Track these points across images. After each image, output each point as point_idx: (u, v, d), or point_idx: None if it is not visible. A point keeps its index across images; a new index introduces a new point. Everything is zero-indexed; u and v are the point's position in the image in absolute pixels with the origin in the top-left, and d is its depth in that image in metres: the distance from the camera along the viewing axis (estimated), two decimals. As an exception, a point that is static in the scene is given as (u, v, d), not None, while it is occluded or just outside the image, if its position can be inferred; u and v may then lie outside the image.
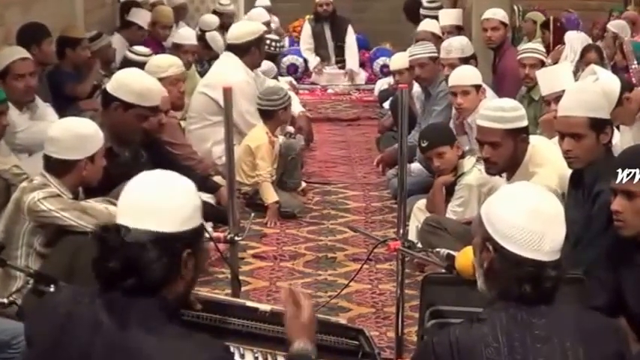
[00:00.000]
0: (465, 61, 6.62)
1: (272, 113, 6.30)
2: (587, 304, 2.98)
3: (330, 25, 11.34)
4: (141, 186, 2.34)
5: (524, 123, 4.42)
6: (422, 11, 9.57)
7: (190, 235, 2.32)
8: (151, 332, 2.20)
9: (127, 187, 2.36)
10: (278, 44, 9.32)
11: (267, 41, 8.97)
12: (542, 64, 6.44)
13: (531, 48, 6.71)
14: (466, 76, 5.95)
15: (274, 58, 9.06)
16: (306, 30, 11.63)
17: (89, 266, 2.32)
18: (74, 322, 2.27)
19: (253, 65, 6.85)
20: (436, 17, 8.76)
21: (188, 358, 2.18)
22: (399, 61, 7.45)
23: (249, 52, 6.73)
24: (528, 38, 9.16)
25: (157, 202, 2.29)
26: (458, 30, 8.30)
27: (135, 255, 2.24)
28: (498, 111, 4.37)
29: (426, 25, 8.50)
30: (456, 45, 6.80)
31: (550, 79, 5.52)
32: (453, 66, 6.46)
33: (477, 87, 5.91)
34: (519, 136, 4.38)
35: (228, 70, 6.66)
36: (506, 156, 4.38)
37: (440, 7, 9.38)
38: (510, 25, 8.18)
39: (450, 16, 8.63)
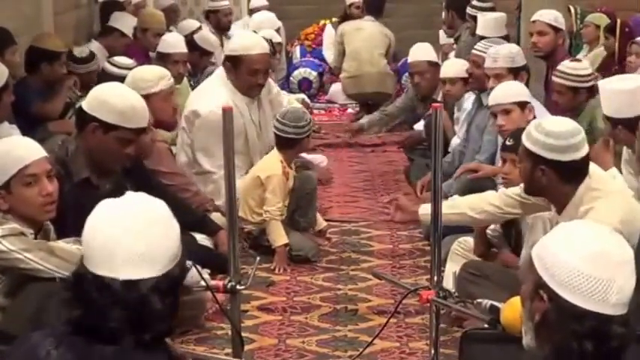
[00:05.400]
0: (515, 72, 6.61)
1: (296, 142, 6.21)
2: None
3: None
4: (114, 227, 2.38)
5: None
6: (469, 10, 9.50)
7: (180, 268, 2.43)
8: None
9: (96, 230, 2.40)
10: None
11: None
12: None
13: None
14: (507, 93, 5.90)
15: None
16: (329, 34, 11.92)
17: (59, 319, 2.37)
18: None
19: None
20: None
21: None
22: (453, 67, 7.58)
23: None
24: (589, 46, 9.05)
25: (142, 246, 2.35)
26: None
27: (138, 309, 2.32)
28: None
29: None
30: (505, 52, 6.69)
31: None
32: (499, 77, 6.47)
33: (522, 104, 5.86)
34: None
35: (207, 91, 6.66)
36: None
37: (492, 8, 9.14)
38: (567, 29, 8.12)
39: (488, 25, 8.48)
